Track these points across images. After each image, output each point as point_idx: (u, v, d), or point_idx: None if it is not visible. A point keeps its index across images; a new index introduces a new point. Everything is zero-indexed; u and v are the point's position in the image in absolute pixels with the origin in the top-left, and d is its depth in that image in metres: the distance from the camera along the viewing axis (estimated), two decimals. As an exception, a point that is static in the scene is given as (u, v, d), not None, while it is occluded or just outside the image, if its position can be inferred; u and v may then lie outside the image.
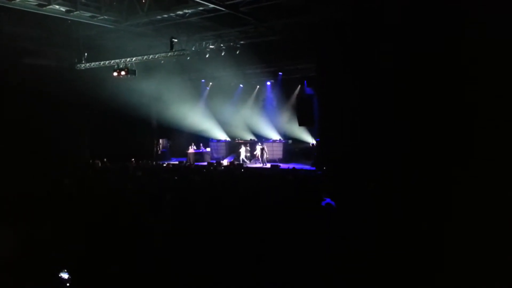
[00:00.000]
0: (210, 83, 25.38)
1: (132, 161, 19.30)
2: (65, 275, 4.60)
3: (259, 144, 22.07)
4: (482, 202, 5.97)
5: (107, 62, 18.60)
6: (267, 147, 22.40)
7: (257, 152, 21.74)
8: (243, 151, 22.12)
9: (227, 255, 4.92)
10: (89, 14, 14.14)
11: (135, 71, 18.22)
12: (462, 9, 10.31)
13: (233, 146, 23.76)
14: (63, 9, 13.41)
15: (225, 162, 21.05)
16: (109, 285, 4.67)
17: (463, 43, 10.37)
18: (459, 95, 10.67)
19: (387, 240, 5.02)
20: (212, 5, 12.93)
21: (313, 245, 4.93)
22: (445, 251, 4.61)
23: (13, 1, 12.33)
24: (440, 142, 11.14)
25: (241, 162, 21.27)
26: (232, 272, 4.63)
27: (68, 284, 4.56)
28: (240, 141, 23.67)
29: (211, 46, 17.52)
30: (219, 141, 24.96)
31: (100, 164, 18.14)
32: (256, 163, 21.56)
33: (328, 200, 6.98)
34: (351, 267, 4.58)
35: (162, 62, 19.14)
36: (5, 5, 12.54)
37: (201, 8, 13.58)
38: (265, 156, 21.35)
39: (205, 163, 20.83)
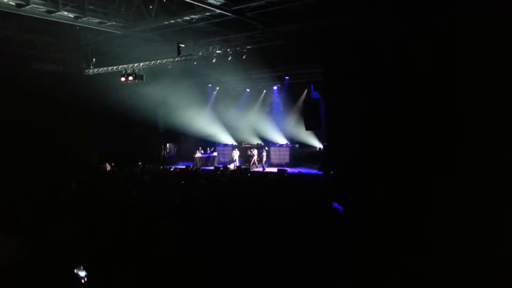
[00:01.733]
0: (217, 88, 25.52)
1: (139, 165, 19.41)
2: (81, 273, 4.64)
3: (254, 149, 22.41)
4: (483, 202, 5.96)
5: (115, 67, 18.76)
6: (273, 151, 22.56)
7: (255, 156, 22.02)
8: (235, 155, 22.62)
9: (233, 254, 4.94)
10: (97, 20, 14.27)
11: (142, 76, 18.36)
12: (463, 10, 10.32)
13: (240, 151, 23.86)
14: (71, 15, 13.55)
15: (231, 166, 21.10)
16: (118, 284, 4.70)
17: (463, 47, 10.41)
18: (465, 98, 10.64)
19: (391, 242, 5.01)
20: (218, 11, 13.00)
21: (318, 246, 4.93)
22: (447, 252, 4.60)
23: (22, 8, 12.49)
24: (447, 145, 11.07)
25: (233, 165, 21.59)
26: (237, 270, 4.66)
27: (84, 281, 4.58)
28: (246, 145, 23.78)
29: (217, 51, 17.59)
30: (226, 145, 25.03)
31: (107, 168, 18.28)
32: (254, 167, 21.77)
33: (335, 204, 6.98)
34: (353, 267, 4.58)
35: (169, 67, 19.25)
36: (14, 11, 12.71)
37: (207, 14, 13.67)
38: (258, 158, 21.87)
39: (212, 167, 20.88)
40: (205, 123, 24.45)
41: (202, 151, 23.95)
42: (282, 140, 23.53)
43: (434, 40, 11.43)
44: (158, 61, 17.77)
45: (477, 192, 6.55)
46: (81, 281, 4.62)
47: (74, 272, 4.63)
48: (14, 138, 15.47)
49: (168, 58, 17.42)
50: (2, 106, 15.08)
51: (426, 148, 11.45)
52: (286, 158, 22.34)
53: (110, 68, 18.87)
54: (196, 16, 14.03)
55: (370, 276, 4.49)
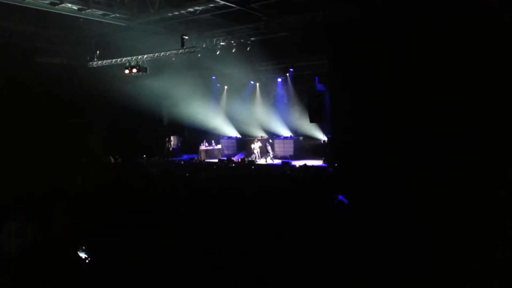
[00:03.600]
0: (226, 87, 25.43)
1: (144, 157, 19.48)
2: (82, 254, 4.64)
3: (257, 142, 22.31)
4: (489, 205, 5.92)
5: (118, 59, 18.73)
6: (277, 143, 22.51)
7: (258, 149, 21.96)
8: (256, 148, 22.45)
9: (238, 250, 4.94)
10: (100, 12, 14.22)
11: (146, 68, 18.33)
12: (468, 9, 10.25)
13: (243, 143, 23.80)
14: (75, 7, 13.50)
15: (235, 158, 21.11)
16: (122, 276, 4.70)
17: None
18: (470, 95, 10.58)
19: (394, 239, 4.98)
20: (222, 2, 12.92)
21: (322, 242, 4.91)
22: (452, 250, 4.57)
23: (26, 0, 12.46)
24: (455, 139, 11.00)
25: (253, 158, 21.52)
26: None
27: (86, 262, 4.59)
28: (250, 138, 23.76)
29: (221, 43, 17.52)
30: (230, 138, 25.02)
31: (112, 161, 18.33)
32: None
33: (340, 197, 6.95)
34: (357, 265, 4.55)
35: (173, 59, 19.20)
36: (18, 4, 12.68)
37: (211, 5, 13.58)
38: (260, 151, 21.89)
39: (216, 160, 20.90)
40: (209, 115, 24.42)
41: (207, 144, 23.98)
42: (286, 133, 23.48)
43: (439, 37, 11.35)
44: (162, 53, 17.73)
45: (483, 196, 6.50)
46: (83, 263, 4.62)
47: (75, 255, 4.64)
48: (19, 131, 15.49)
49: (172, 50, 17.37)
50: (7, 99, 15.10)
51: (430, 143, 11.40)
52: (290, 150, 22.28)
53: (114, 60, 18.84)
54: (200, 8, 13.95)
55: (372, 277, 4.47)
